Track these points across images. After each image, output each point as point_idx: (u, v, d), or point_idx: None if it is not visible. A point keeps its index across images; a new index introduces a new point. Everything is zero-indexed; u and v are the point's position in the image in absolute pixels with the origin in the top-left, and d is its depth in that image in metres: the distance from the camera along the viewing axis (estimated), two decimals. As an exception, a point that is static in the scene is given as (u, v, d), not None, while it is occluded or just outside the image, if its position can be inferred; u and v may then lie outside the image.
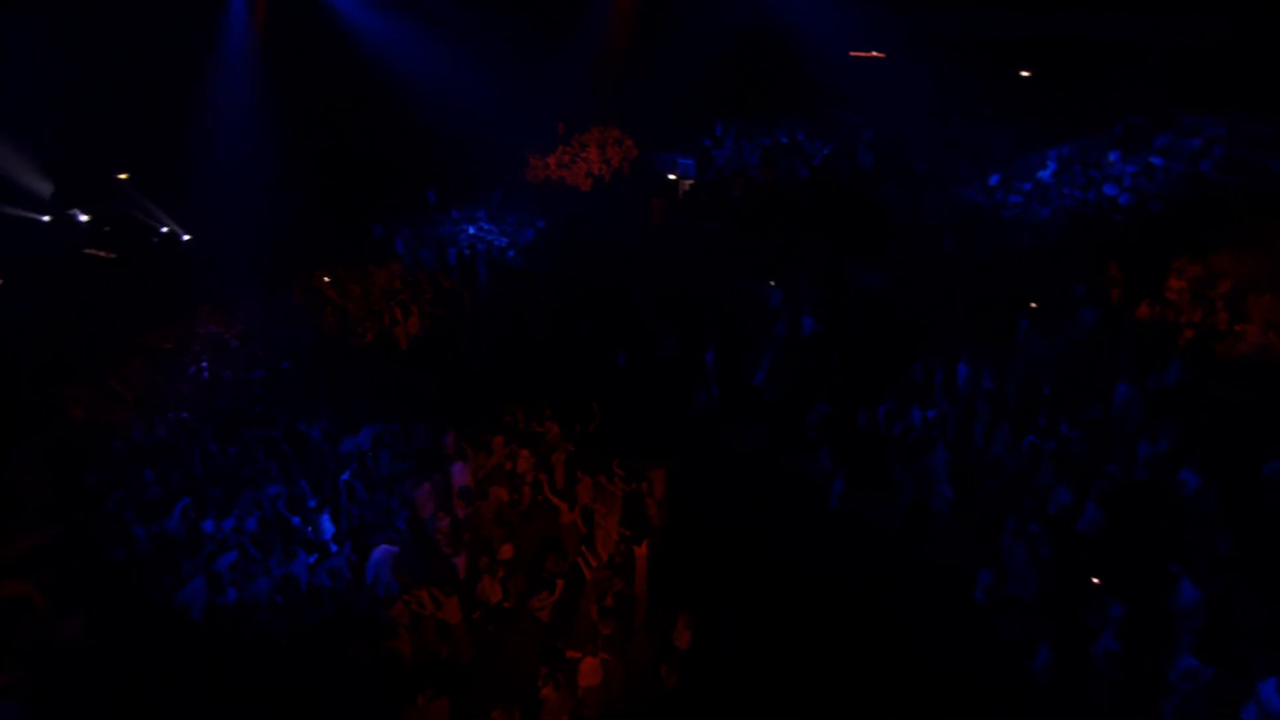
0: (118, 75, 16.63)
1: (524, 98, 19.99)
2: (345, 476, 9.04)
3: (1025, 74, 15.94)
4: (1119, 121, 13.83)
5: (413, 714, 6.64)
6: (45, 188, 17.50)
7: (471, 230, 17.18)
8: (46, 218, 17.60)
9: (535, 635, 7.82)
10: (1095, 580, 6.92)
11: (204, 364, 12.95)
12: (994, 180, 14.50)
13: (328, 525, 8.68)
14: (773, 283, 12.61)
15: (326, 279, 15.32)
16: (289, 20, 19.20)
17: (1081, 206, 12.97)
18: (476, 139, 18.39)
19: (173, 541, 8.69)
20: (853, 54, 17.70)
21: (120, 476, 9.79)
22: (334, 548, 8.47)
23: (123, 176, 18.25)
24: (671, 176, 18.17)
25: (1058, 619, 6.93)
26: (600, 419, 9.76)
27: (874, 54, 17.69)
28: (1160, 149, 13.03)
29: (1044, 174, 13.99)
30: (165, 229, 18.24)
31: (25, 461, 10.79)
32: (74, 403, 12.04)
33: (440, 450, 9.50)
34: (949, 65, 15.02)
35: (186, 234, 18.21)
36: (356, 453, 9.57)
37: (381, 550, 8.12)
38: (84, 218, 17.86)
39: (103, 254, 17.32)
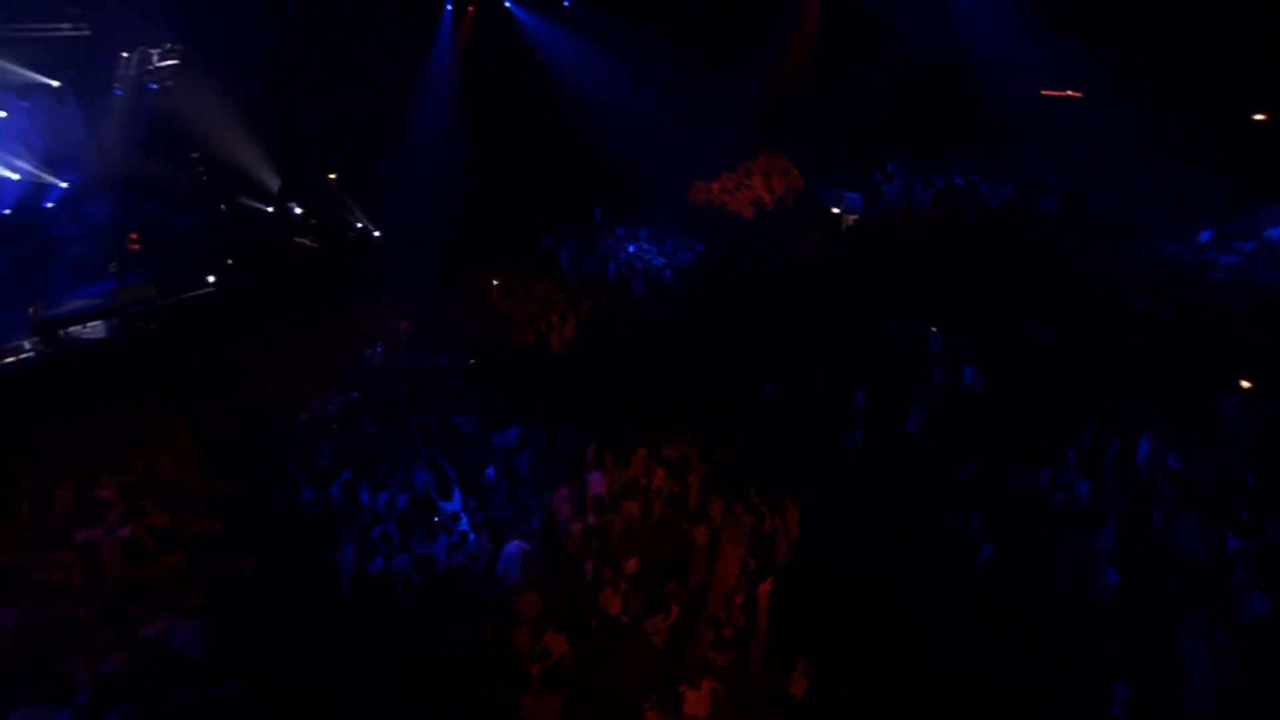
0: (339, 84, 18.78)
1: (694, 122, 20.39)
2: (490, 471, 9.55)
3: (1260, 117, 14.11)
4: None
5: (529, 703, 6.84)
6: (274, 183, 20.07)
7: (632, 248, 17.69)
8: (270, 209, 20.14)
9: (647, 655, 7.78)
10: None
11: (378, 350, 14.23)
12: (1204, 237, 13.00)
13: (469, 514, 9.22)
14: (934, 328, 12.01)
15: (495, 282, 16.37)
16: (487, 39, 20.85)
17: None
18: (645, 160, 18.95)
19: (333, 507, 9.58)
20: (1044, 93, 16.57)
21: (299, 444, 10.99)
22: (471, 536, 8.96)
23: (332, 176, 20.52)
24: (835, 210, 17.81)
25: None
26: (740, 447, 9.68)
27: (1069, 93, 16.45)
28: None
29: (1275, 232, 12.34)
30: (360, 225, 20.24)
31: (224, 420, 12.41)
32: (271, 375, 13.67)
33: (581, 457, 9.77)
34: (1159, 105, 13.58)
35: (377, 231, 20.11)
36: (503, 449, 10.08)
37: (514, 545, 8.45)
38: (298, 211, 20.25)
39: (308, 243, 19.53)
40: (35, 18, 14.85)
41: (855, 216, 17.58)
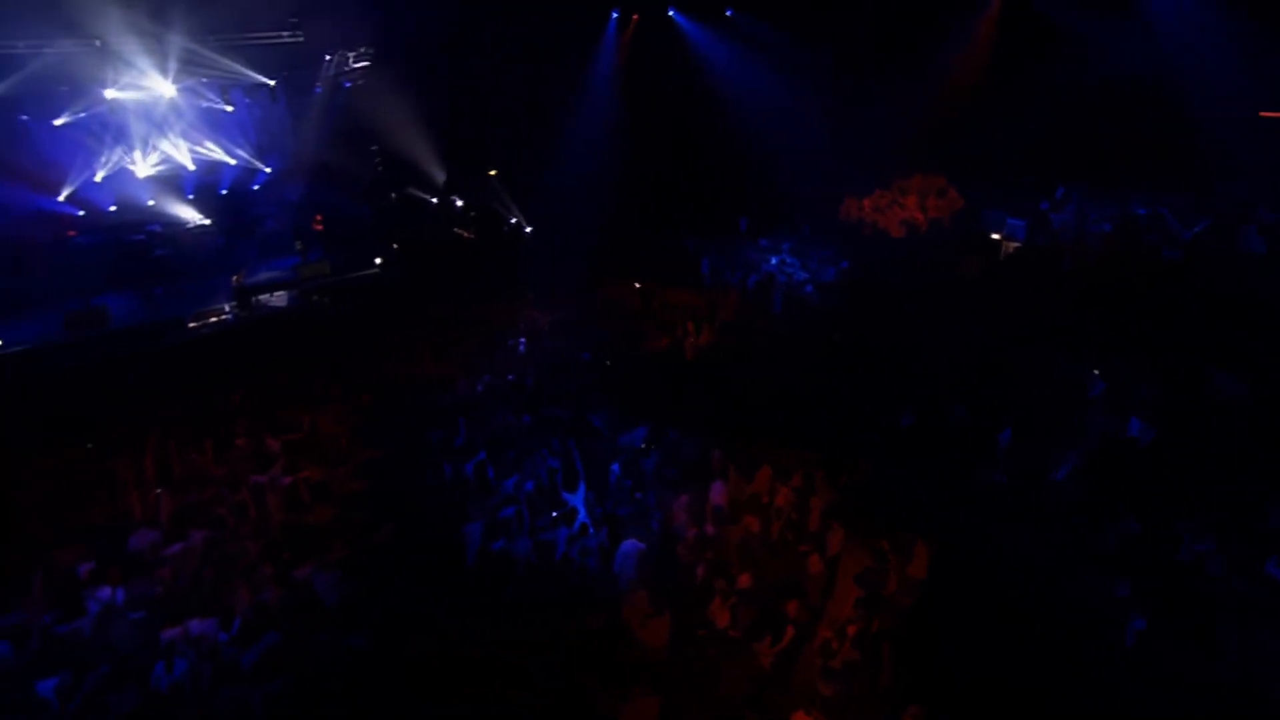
0: (506, 86, 19.91)
1: (852, 136, 19.87)
2: (615, 468, 9.77)
3: None
4: None
5: (629, 706, 6.91)
6: (440, 176, 21.60)
7: (774, 261, 17.48)
8: (435, 200, 21.68)
9: (750, 675, 7.64)
10: None
11: (521, 341, 14.94)
12: None
13: (589, 508, 9.46)
14: (1097, 371, 11.00)
15: (636, 285, 16.73)
16: (649, 46, 21.38)
17: None
18: (797, 172, 18.70)
19: (467, 484, 10.14)
20: (1264, 114, 14.71)
21: (442, 421, 11.75)
22: (591, 529, 9.20)
23: (492, 173, 21.78)
24: (995, 236, 16.76)
25: None
26: (869, 474, 9.32)
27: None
28: None
29: None
30: (514, 220, 21.33)
31: (378, 391, 13.49)
32: (422, 354, 14.72)
33: (705, 465, 9.78)
34: None
35: (529, 227, 21.11)
36: (629, 449, 10.27)
37: (630, 544, 8.58)
38: (459, 203, 21.66)
39: (465, 234, 20.83)
40: (262, 28, 17.02)
41: (1017, 244, 16.45)
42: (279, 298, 16.92)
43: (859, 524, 8.35)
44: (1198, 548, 8.04)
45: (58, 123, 17.38)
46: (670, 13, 21.44)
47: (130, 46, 16.22)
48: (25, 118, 17.21)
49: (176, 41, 16.40)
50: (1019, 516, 9.41)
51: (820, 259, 17.47)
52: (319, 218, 19.96)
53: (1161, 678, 7.08)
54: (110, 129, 18.09)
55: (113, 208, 18.63)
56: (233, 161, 19.91)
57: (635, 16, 21.52)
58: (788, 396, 12.16)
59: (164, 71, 17.17)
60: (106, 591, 8.40)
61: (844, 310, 14.82)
